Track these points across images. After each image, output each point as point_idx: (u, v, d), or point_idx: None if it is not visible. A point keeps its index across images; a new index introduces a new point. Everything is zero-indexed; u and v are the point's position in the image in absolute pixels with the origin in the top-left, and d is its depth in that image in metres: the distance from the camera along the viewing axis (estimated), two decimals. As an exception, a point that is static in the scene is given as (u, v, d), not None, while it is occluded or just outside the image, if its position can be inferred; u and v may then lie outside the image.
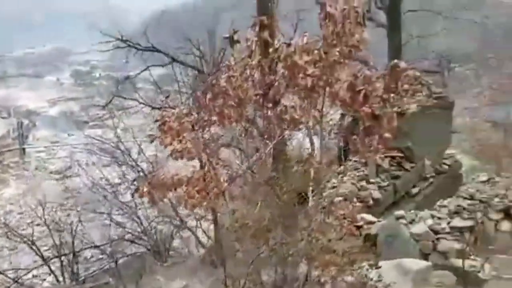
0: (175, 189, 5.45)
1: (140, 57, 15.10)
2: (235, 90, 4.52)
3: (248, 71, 4.85)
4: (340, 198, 10.59)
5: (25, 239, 11.77)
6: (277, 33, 5.02)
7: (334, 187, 11.28)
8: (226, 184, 5.25)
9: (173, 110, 5.38)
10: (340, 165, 10.26)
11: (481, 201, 8.26)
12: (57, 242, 11.46)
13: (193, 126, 5.07)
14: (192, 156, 5.01)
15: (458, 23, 16.71)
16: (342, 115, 9.89)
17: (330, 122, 9.68)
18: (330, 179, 9.90)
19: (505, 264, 6.71)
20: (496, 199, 8.38)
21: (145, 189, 5.40)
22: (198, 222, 10.90)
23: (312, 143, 6.66)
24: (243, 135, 5.53)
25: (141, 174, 12.11)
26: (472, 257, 7.18)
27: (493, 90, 14.77)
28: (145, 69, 15.28)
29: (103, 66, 63.76)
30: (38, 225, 13.22)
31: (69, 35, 78.69)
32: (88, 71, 66.28)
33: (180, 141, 5.08)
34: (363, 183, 11.84)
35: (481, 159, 15.10)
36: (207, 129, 5.31)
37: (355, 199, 11.02)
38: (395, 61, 4.46)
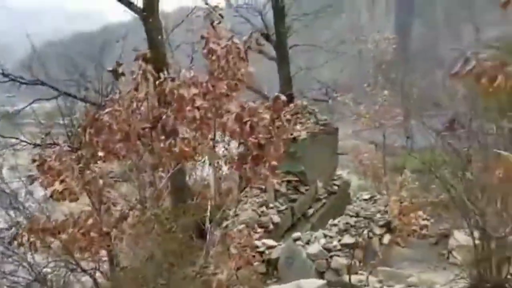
0: (59, 233, 5.08)
1: (26, 90, 13.95)
2: (119, 125, 4.39)
3: (134, 104, 4.78)
4: (242, 226, 10.72)
5: None
6: (170, 65, 5.02)
7: (236, 215, 11.39)
8: (116, 223, 5.03)
9: (54, 148, 5.06)
10: (240, 193, 10.41)
11: (365, 218, 8.97)
12: None
13: (76, 164, 4.80)
14: (76, 197, 4.72)
15: (339, 56, 18.45)
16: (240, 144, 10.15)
17: (225, 152, 9.88)
18: (232, 207, 9.97)
19: (388, 276, 7.29)
20: (378, 215, 9.17)
21: (24, 236, 4.96)
22: (97, 264, 10.12)
23: (213, 174, 6.69)
24: (133, 169, 5.35)
25: (28, 216, 10.97)
26: (360, 271, 7.67)
27: (369, 116, 16.53)
28: (30, 104, 14.14)
29: (-15, 101, 56.77)
30: None
31: None
32: (-32, 107, 58.58)
33: (62, 181, 4.77)
34: (263, 208, 12.11)
35: (366, 179, 16.51)
36: (93, 165, 5.06)
37: (256, 226, 11.20)
38: (276, 94, 4.75)
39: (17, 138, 13.41)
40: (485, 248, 4.97)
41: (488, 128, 5.31)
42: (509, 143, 4.62)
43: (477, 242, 5.13)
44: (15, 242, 5.40)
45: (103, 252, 5.48)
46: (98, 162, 4.99)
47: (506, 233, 4.48)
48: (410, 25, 55.36)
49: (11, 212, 11.55)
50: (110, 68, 4.73)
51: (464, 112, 6.21)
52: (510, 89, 2.48)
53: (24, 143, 13.28)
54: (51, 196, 4.57)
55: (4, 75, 13.29)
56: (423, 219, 9.32)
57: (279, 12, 15.49)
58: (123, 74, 4.69)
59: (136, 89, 4.72)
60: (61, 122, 13.62)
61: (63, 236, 4.99)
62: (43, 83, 13.54)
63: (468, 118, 5.70)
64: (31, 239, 4.91)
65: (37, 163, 4.65)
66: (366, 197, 10.04)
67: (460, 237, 7.90)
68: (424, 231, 9.20)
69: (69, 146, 4.98)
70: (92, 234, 4.83)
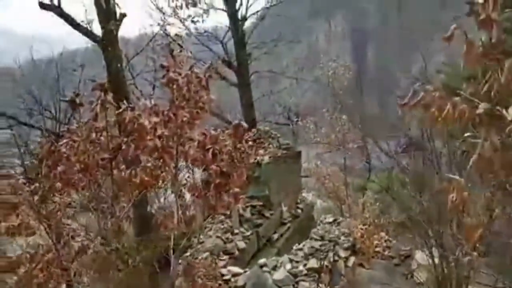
0: (14, 270, 4.83)
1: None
2: (76, 156, 4.26)
3: (94, 135, 4.67)
4: (206, 254, 10.52)
5: None
6: (130, 93, 4.94)
7: (201, 242, 11.16)
8: (76, 256, 4.83)
9: (9, 181, 4.84)
10: (205, 220, 10.21)
11: (330, 241, 9.01)
12: None
13: (33, 197, 4.59)
14: (33, 231, 4.52)
15: (300, 82, 18.92)
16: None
17: (189, 179, 9.74)
18: (196, 235, 9.75)
19: (353, 298, 7.31)
20: (342, 238, 9.24)
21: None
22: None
23: (176, 202, 6.54)
24: (93, 200, 5.17)
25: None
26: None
27: (329, 140, 16.96)
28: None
29: None
30: None
31: None
32: None
33: (18, 215, 4.57)
34: (228, 235, 11.96)
35: (330, 201, 16.73)
36: (51, 198, 4.86)
37: (221, 253, 11.02)
38: (236, 121, 4.78)
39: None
40: (445, 267, 5.12)
41: (442, 151, 5.56)
42: (462, 165, 4.85)
43: (436, 261, 5.28)
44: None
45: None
46: (56, 194, 4.81)
47: (462, 254, 4.65)
48: (366, 49, 57.63)
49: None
50: (66, 98, 4.62)
51: (420, 135, 6.48)
52: (458, 117, 2.61)
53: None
54: (6, 232, 4.33)
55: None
56: (386, 240, 9.47)
57: (240, 41, 15.84)
58: (81, 104, 4.58)
59: (95, 119, 4.63)
60: (15, 151, 13.05)
61: (20, 271, 4.74)
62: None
63: (423, 141, 5.95)
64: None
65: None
66: (330, 220, 10.12)
67: (421, 257, 8.06)
68: (387, 252, 9.34)
69: (24, 178, 4.77)
70: (50, 269, 4.61)
